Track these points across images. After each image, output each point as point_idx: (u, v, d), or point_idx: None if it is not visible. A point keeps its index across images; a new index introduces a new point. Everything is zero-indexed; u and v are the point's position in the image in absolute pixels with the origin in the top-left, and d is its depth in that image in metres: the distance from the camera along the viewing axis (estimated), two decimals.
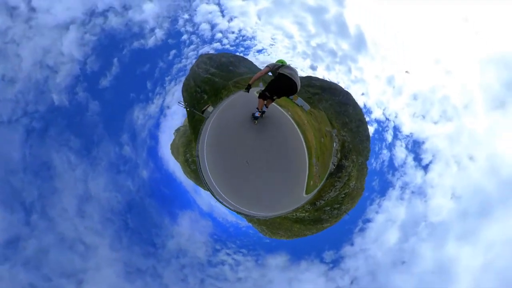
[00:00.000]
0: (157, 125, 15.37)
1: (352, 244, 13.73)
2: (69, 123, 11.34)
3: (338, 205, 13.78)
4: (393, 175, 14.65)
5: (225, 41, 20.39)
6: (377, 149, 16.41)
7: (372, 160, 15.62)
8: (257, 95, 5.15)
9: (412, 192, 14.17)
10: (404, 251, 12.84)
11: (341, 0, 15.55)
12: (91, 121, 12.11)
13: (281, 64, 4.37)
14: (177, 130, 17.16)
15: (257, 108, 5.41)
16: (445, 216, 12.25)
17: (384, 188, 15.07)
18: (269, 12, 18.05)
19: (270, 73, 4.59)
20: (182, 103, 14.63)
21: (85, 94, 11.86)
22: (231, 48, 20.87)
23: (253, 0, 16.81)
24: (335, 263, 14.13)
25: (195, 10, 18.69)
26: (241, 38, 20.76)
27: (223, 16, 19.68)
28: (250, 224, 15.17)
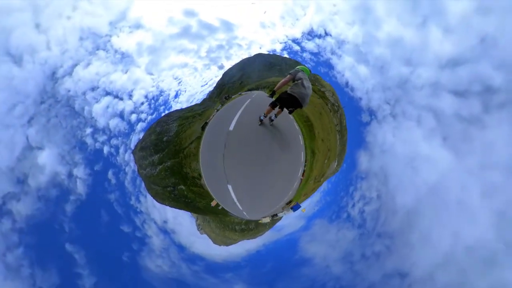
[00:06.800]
0: None
1: None
2: None
3: None
4: None
5: (142, 116, 19.22)
6: None
7: None
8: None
9: None
10: None
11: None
12: None
13: (299, 71, 4.68)
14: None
15: (264, 114, 5.76)
16: None
17: None
18: (154, 62, 18.56)
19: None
20: None
21: None
22: (152, 116, 19.78)
23: (133, 64, 16.93)
24: None
25: (93, 118, 16.91)
26: (153, 101, 20.19)
27: (121, 99, 18.70)
28: None
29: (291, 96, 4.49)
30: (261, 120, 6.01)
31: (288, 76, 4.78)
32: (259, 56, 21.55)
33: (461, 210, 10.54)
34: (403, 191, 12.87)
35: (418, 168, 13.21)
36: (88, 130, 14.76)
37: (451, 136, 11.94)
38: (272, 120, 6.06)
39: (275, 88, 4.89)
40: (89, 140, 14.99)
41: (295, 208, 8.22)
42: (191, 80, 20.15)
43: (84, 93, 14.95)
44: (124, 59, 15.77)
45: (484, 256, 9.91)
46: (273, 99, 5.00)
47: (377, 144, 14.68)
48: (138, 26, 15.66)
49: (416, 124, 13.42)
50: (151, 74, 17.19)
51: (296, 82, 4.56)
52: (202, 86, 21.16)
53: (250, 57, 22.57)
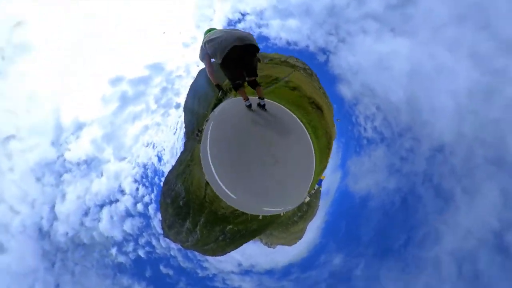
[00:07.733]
0: None
1: None
2: None
3: None
4: None
5: (146, 199, 18.05)
6: None
7: None
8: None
9: None
10: None
11: None
12: None
13: (203, 43, 3.48)
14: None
15: (244, 100, 5.21)
16: None
17: None
18: (118, 147, 17.16)
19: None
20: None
21: None
22: (154, 193, 18.68)
23: (102, 163, 15.50)
24: None
25: (108, 237, 15.44)
26: (144, 180, 18.93)
27: (117, 201, 17.27)
28: None
29: (227, 58, 3.24)
30: (248, 106, 5.46)
31: (205, 60, 3.67)
32: (201, 73, 21.05)
33: (443, 72, 11.91)
34: (392, 90, 14.03)
35: (390, 66, 14.40)
36: (113, 251, 13.52)
37: (395, 25, 13.09)
38: (262, 106, 5.44)
39: (214, 82, 3.98)
40: (121, 258, 13.75)
41: (319, 183, 8.59)
42: (161, 137, 19.13)
43: (81, 224, 13.48)
44: (90, 165, 14.33)
45: (486, 86, 11.45)
46: (223, 89, 4.16)
47: (345, 70, 15.47)
48: (79, 127, 14.14)
49: (363, 35, 14.37)
50: (124, 159, 15.96)
51: (212, 53, 3.44)
52: (174, 133, 20.20)
53: (194, 79, 21.98)
